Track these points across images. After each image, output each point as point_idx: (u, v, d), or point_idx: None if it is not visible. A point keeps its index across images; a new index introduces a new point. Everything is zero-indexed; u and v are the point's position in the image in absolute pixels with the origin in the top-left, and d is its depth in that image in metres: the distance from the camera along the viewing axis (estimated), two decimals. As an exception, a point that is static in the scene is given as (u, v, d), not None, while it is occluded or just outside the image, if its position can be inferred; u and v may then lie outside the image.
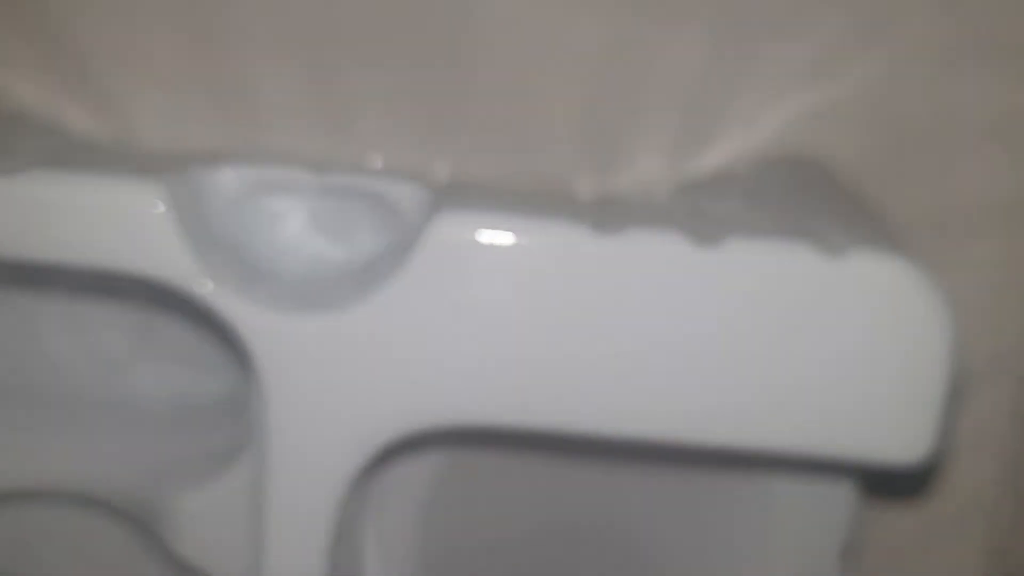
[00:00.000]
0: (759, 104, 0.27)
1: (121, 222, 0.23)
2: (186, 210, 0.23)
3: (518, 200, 0.24)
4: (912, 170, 0.28)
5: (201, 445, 0.28)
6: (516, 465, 0.28)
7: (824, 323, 0.22)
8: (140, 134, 0.28)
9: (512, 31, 0.27)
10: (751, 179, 0.27)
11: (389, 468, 0.27)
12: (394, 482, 0.28)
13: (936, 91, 0.27)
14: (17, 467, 0.28)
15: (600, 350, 0.23)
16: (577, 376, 0.23)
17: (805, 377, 0.23)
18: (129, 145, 0.28)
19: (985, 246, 0.28)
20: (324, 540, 0.25)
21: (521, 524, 0.29)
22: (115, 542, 0.29)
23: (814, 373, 0.23)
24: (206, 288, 0.23)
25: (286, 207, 0.25)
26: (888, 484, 0.30)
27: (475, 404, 0.23)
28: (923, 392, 0.23)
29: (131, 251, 0.23)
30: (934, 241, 0.27)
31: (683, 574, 0.28)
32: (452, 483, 0.28)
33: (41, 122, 0.28)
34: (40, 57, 0.28)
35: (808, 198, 0.26)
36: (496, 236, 0.22)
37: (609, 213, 0.23)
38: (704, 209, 0.25)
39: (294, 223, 0.25)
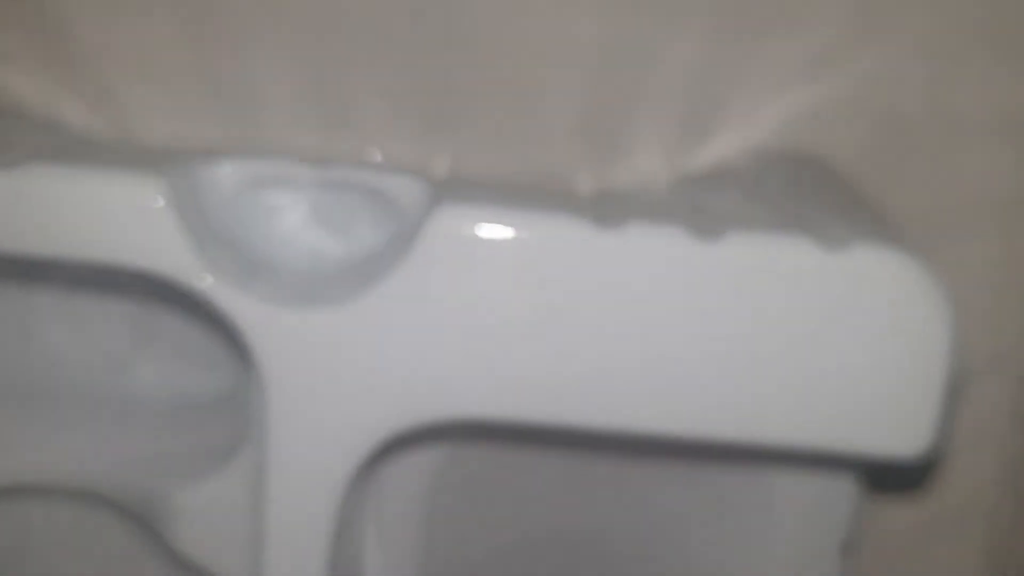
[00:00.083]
0: (758, 100, 0.27)
1: (120, 216, 0.23)
2: (186, 204, 0.23)
3: (518, 194, 0.24)
4: (910, 167, 0.28)
5: (201, 440, 0.28)
6: (517, 460, 0.28)
7: (825, 317, 0.22)
8: (139, 130, 0.28)
9: (511, 26, 0.27)
10: (751, 174, 0.27)
11: (389, 463, 0.27)
12: (395, 477, 0.28)
13: (934, 88, 0.27)
14: (17, 463, 0.28)
15: (600, 344, 0.23)
16: (577, 370, 0.23)
17: (806, 371, 0.23)
18: (128, 140, 0.28)
19: (984, 244, 0.28)
20: (324, 535, 0.25)
21: (521, 518, 0.29)
22: (115, 537, 0.29)
23: (815, 367, 0.23)
24: (206, 282, 0.23)
25: (286, 201, 0.25)
26: (888, 481, 0.30)
27: (475, 398, 0.23)
28: (923, 386, 0.23)
29: (130, 245, 0.23)
30: (933, 239, 0.27)
31: (684, 568, 0.28)
32: (452, 478, 0.28)
33: (40, 117, 0.28)
34: (39, 53, 0.28)
35: (808, 192, 0.26)
36: (496, 230, 0.22)
37: (609, 207, 0.23)
38: (704, 203, 0.25)
39: (294, 217, 0.25)
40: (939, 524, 0.31)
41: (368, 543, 0.28)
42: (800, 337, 0.22)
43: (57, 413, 0.28)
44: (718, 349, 0.23)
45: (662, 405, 0.23)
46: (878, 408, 0.23)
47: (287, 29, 0.27)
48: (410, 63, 0.27)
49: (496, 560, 0.29)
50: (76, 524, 0.29)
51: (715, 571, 0.28)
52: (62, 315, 0.28)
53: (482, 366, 0.23)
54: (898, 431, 0.23)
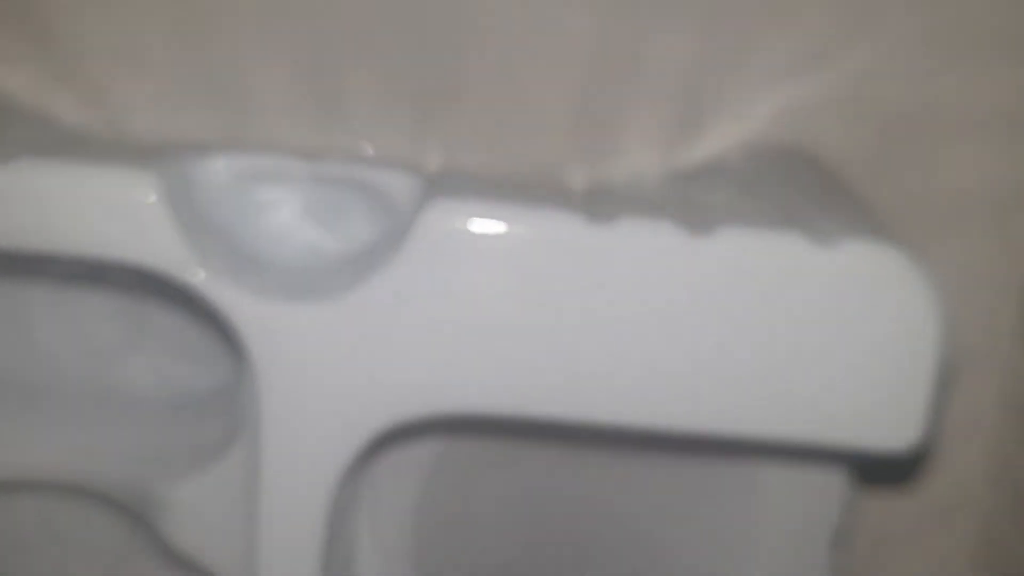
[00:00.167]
0: (750, 96, 0.27)
1: (113, 211, 0.23)
2: (178, 199, 0.23)
3: (510, 189, 0.24)
4: (899, 162, 0.28)
5: (195, 435, 0.28)
6: (510, 454, 0.28)
7: (815, 311, 0.22)
8: (131, 125, 0.28)
9: (504, 20, 0.27)
10: (743, 169, 0.27)
11: (383, 457, 0.27)
12: (388, 471, 0.28)
13: (923, 83, 0.27)
14: (9, 458, 0.27)
15: (592, 339, 0.23)
16: (569, 364, 0.23)
17: (796, 365, 0.23)
18: (120, 136, 0.28)
19: (972, 238, 0.28)
20: (317, 529, 0.25)
21: (515, 512, 0.29)
22: (108, 533, 0.29)
23: (805, 361, 0.23)
24: (198, 277, 0.23)
25: (278, 196, 0.25)
26: (879, 474, 0.30)
27: (467, 393, 0.23)
28: (913, 380, 0.23)
29: (123, 240, 0.23)
30: (921, 233, 0.27)
31: (676, 562, 0.29)
32: (445, 472, 0.28)
33: (31, 113, 0.27)
34: (30, 49, 0.27)
35: (800, 188, 0.26)
36: (488, 225, 0.23)
37: (601, 202, 0.24)
38: (696, 199, 0.25)
39: (286, 212, 0.25)
40: (930, 517, 0.31)
41: (362, 537, 0.28)
42: (790, 331, 0.23)
43: (50, 408, 0.28)
44: (708, 343, 0.23)
45: (653, 399, 0.23)
46: (868, 402, 0.23)
47: (279, 24, 0.27)
48: (403, 59, 0.27)
49: (490, 554, 0.29)
50: (69, 519, 0.29)
51: (706, 564, 0.29)
52: (54, 310, 0.28)
53: (474, 360, 0.23)
54: (888, 425, 0.23)
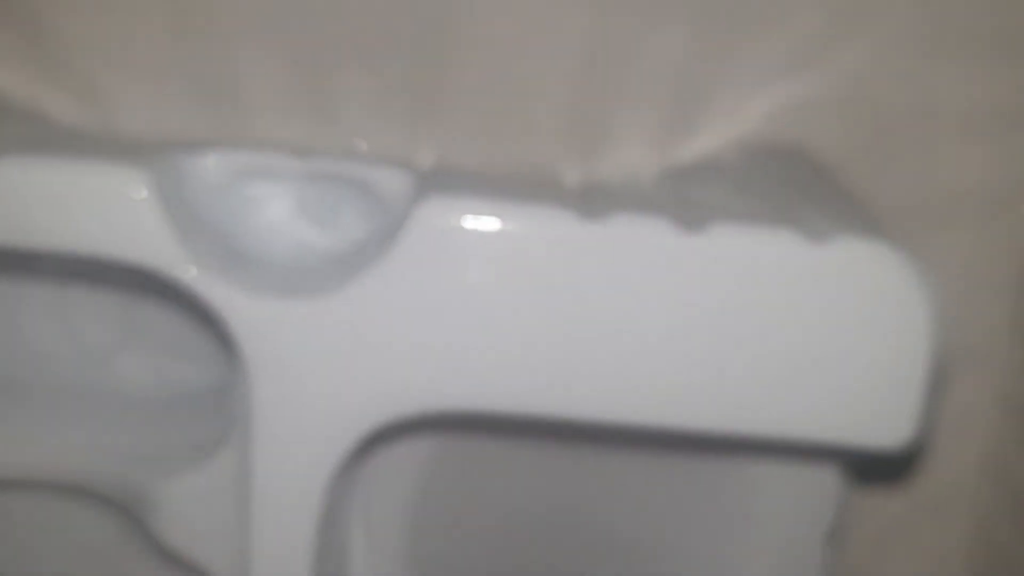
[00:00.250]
0: (741, 94, 0.27)
1: (104, 208, 0.23)
2: (170, 195, 0.23)
3: (503, 186, 0.24)
4: (892, 160, 0.28)
5: (187, 433, 0.28)
6: (503, 451, 0.28)
7: (808, 308, 0.22)
8: (123, 124, 0.28)
9: (498, 19, 0.27)
10: (737, 166, 0.27)
11: (376, 455, 0.27)
12: (381, 468, 0.28)
13: (916, 82, 0.27)
14: (1, 456, 0.27)
15: (585, 335, 0.23)
16: (562, 361, 0.23)
17: (789, 362, 0.23)
18: (113, 134, 0.28)
19: (966, 235, 0.28)
20: (310, 526, 0.25)
21: (508, 508, 0.29)
22: (101, 531, 0.29)
23: (798, 358, 0.23)
24: (190, 273, 0.23)
25: (270, 192, 0.25)
26: (873, 471, 0.30)
27: (460, 390, 0.23)
28: (906, 377, 0.23)
29: (114, 237, 0.23)
30: (915, 230, 0.27)
31: (670, 559, 0.29)
32: (439, 469, 0.28)
33: (23, 110, 0.27)
34: (22, 47, 0.27)
35: (793, 185, 0.26)
36: (481, 221, 0.23)
37: (595, 199, 0.24)
38: (690, 196, 0.25)
39: (279, 209, 0.25)
40: (925, 514, 0.31)
41: (355, 533, 0.28)
42: (783, 328, 0.23)
43: (41, 406, 0.28)
44: (702, 340, 0.23)
45: (647, 396, 0.23)
46: (861, 399, 0.23)
47: (272, 24, 0.27)
48: (396, 58, 0.27)
49: (483, 551, 0.29)
50: (62, 518, 0.29)
51: (702, 562, 0.29)
52: (46, 308, 0.28)
53: (467, 357, 0.23)
54: (882, 422, 0.23)
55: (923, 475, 0.30)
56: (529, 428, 0.24)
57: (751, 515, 0.28)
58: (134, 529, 0.28)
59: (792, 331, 0.23)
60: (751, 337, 0.23)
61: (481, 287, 0.23)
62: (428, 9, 0.27)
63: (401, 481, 0.28)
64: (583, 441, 0.28)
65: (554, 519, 0.29)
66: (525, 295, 0.23)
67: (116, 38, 0.27)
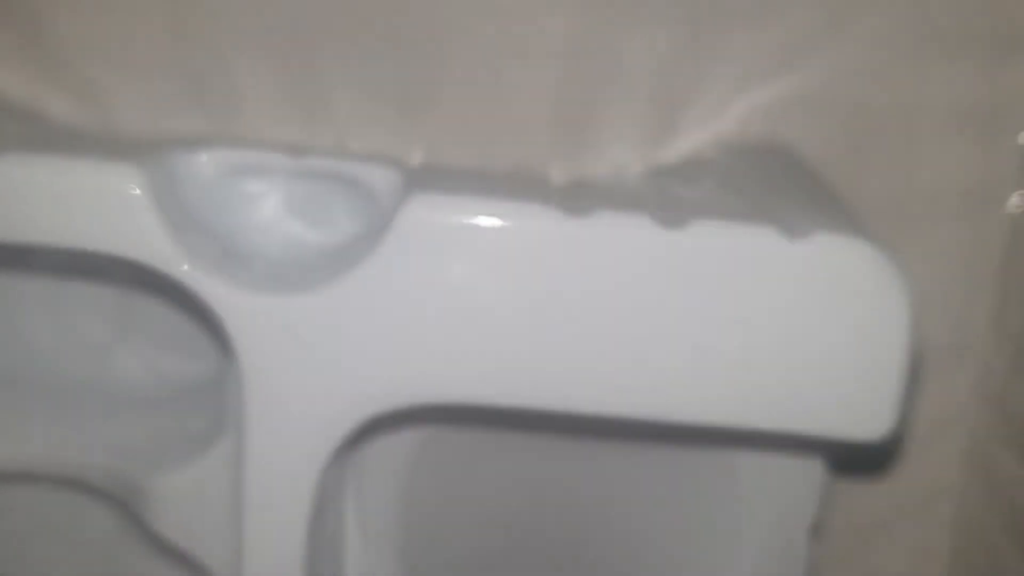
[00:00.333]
0: (725, 93, 0.28)
1: (98, 204, 0.23)
2: (163, 192, 0.24)
3: (490, 183, 0.24)
4: (874, 158, 0.28)
5: (183, 427, 0.28)
6: (492, 441, 0.28)
7: (787, 303, 0.23)
8: (121, 123, 0.28)
9: (485, 21, 0.27)
10: (720, 164, 0.27)
11: (368, 446, 0.28)
12: (374, 459, 0.28)
13: (897, 81, 0.28)
14: (-2, 449, 0.28)
15: (569, 329, 0.23)
16: (546, 354, 0.23)
17: (768, 356, 0.23)
18: (110, 133, 0.28)
19: (948, 232, 0.29)
20: (302, 517, 0.25)
21: (497, 497, 0.29)
22: (97, 523, 0.30)
23: (777, 352, 0.23)
24: (182, 269, 0.23)
25: (262, 189, 0.26)
26: (857, 464, 0.30)
27: (447, 382, 0.24)
28: (884, 370, 0.23)
29: (108, 233, 0.23)
30: (897, 227, 0.28)
31: (657, 550, 0.29)
32: (430, 459, 0.28)
33: (19, 108, 0.28)
34: (19, 46, 0.28)
35: (775, 182, 0.26)
36: (468, 218, 0.23)
37: (579, 196, 0.24)
38: (673, 193, 0.26)
39: (270, 205, 0.26)
40: (907, 508, 0.31)
41: (348, 524, 0.28)
42: (762, 322, 0.23)
43: (38, 400, 0.28)
44: (683, 334, 0.23)
45: (629, 388, 0.23)
46: (841, 391, 0.23)
47: (265, 24, 0.27)
48: (384, 59, 0.28)
49: (474, 541, 0.29)
50: (58, 510, 0.29)
51: (688, 553, 0.29)
52: (42, 303, 0.28)
53: (454, 351, 0.23)
54: (861, 414, 0.23)
55: (906, 469, 0.31)
56: (516, 419, 0.24)
57: (736, 507, 0.28)
58: (130, 521, 0.28)
59: (771, 325, 0.23)
60: (731, 331, 0.23)
61: (467, 282, 0.23)
62: (418, 13, 0.27)
63: (393, 471, 0.28)
64: (569, 433, 0.28)
65: (541, 508, 0.29)
66: (510, 289, 0.23)
67: (114, 39, 0.28)
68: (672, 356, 0.23)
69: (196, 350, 0.28)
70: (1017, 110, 0.28)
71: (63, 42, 0.28)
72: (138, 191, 0.23)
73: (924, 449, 0.30)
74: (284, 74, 0.28)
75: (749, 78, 0.28)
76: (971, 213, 0.29)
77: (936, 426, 0.30)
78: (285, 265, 0.25)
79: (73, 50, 0.28)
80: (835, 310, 0.23)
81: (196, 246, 0.24)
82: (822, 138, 0.28)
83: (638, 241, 0.23)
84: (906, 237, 0.28)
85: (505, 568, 0.29)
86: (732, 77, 0.28)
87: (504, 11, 0.27)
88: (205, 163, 0.25)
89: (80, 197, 0.23)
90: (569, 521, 0.29)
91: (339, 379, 0.24)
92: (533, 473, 0.29)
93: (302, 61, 0.28)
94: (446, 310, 0.23)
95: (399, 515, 0.29)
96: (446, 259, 0.23)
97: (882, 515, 0.31)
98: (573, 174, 0.28)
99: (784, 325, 0.23)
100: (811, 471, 0.28)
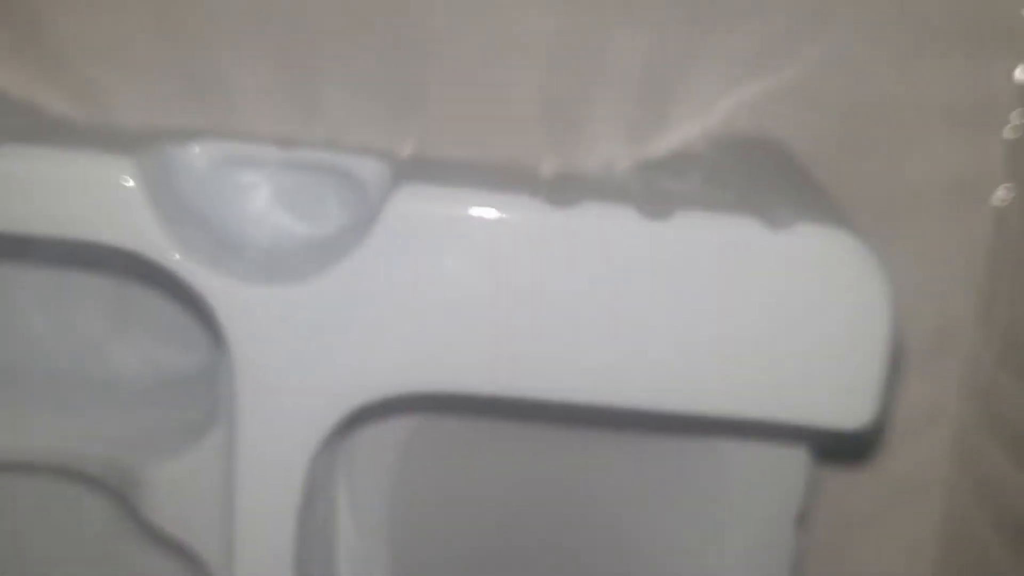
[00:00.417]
0: (713, 89, 0.28)
1: (91, 195, 0.23)
2: (155, 183, 0.24)
3: (478, 175, 0.25)
4: (861, 153, 0.28)
5: (176, 417, 0.28)
6: (482, 431, 0.28)
7: (769, 293, 0.23)
8: (118, 122, 0.28)
9: (473, 17, 0.28)
10: (707, 158, 0.28)
11: (360, 435, 0.28)
12: (364, 448, 0.28)
13: (884, 76, 0.28)
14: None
15: (555, 319, 0.23)
16: (534, 344, 0.24)
17: (751, 344, 0.23)
18: (102, 123, 0.29)
19: (933, 226, 0.29)
20: (293, 505, 0.25)
21: (488, 486, 0.29)
22: (91, 513, 0.30)
23: (759, 341, 0.23)
24: (174, 259, 0.24)
25: (254, 180, 0.26)
26: (843, 455, 0.30)
27: (436, 371, 0.24)
28: (866, 359, 0.23)
29: (101, 223, 0.23)
30: (883, 221, 0.28)
31: (644, 539, 0.29)
32: (422, 448, 0.28)
33: (12, 101, 0.28)
34: (15, 43, 0.28)
35: (761, 175, 0.26)
36: (456, 209, 0.23)
37: (565, 188, 0.24)
38: (660, 186, 0.26)
39: (261, 196, 0.26)
40: (893, 500, 0.31)
41: (340, 513, 0.29)
42: (745, 312, 0.23)
43: (32, 390, 0.29)
44: (667, 324, 0.23)
45: (615, 377, 0.24)
46: (822, 380, 0.23)
47: (259, 24, 0.28)
48: (377, 55, 0.28)
49: (466, 530, 0.29)
50: (52, 499, 0.30)
51: (672, 543, 0.29)
52: (37, 294, 0.29)
53: (443, 340, 0.24)
54: (842, 403, 0.24)
55: (892, 462, 0.31)
56: (504, 408, 0.25)
57: (721, 496, 0.28)
58: (124, 511, 0.29)
59: (754, 315, 0.23)
60: (714, 320, 0.23)
61: (455, 271, 0.23)
62: (411, 11, 0.28)
63: (384, 460, 0.29)
64: (557, 422, 0.28)
65: (531, 497, 0.29)
66: (498, 279, 0.23)
67: (108, 37, 0.28)
68: (656, 344, 0.23)
69: (191, 341, 0.29)
70: (1003, 104, 0.28)
71: (62, 41, 0.28)
72: (131, 182, 0.23)
73: (911, 442, 0.31)
74: (281, 73, 0.28)
75: (737, 73, 0.28)
76: (958, 207, 0.29)
77: (923, 419, 0.30)
78: (276, 255, 0.25)
79: (72, 49, 0.28)
80: (816, 299, 0.23)
81: (188, 236, 0.24)
82: (809, 133, 0.28)
83: (623, 232, 0.23)
84: (893, 230, 0.28)
85: (494, 555, 0.29)
86: (720, 72, 0.28)
87: (494, 8, 0.27)
88: (197, 155, 0.25)
89: (73, 188, 0.23)
90: (556, 509, 0.29)
91: (329, 368, 0.24)
92: (521, 462, 0.29)
93: (298, 60, 0.28)
94: (434, 299, 0.23)
95: (391, 503, 0.29)
96: (434, 249, 0.23)
97: (870, 508, 0.31)
98: (564, 169, 0.28)
99: (766, 314, 0.23)
100: (797, 461, 0.28)
